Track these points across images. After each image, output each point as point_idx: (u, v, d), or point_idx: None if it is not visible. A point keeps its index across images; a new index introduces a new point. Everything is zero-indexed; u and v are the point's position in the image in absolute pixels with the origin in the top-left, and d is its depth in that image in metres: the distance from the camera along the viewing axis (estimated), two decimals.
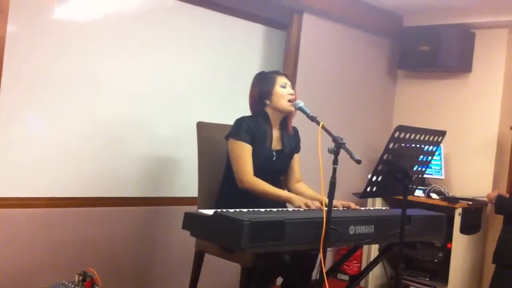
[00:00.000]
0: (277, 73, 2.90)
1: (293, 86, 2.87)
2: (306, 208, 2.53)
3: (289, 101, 2.80)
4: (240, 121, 2.77)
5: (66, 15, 3.16)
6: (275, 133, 2.88)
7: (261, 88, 2.85)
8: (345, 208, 2.71)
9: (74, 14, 3.19)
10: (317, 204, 2.54)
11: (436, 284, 4.33)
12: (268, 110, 2.84)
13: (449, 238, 4.07)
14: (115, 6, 3.35)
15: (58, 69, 3.13)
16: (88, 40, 3.24)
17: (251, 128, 2.75)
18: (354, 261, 4.56)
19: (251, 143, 2.75)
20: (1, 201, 2.96)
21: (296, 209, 2.56)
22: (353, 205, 2.77)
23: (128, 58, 3.41)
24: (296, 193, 2.85)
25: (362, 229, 2.39)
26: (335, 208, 2.55)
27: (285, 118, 2.91)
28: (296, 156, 3.01)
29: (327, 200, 2.21)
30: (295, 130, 3.01)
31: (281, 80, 2.84)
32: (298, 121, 2.96)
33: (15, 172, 3.02)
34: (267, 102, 2.82)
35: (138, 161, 3.51)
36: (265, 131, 2.82)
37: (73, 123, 3.21)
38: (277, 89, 2.81)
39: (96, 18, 3.27)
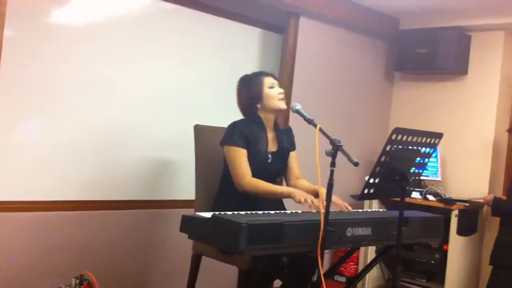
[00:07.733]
0: (262, 74, 2.88)
1: (279, 84, 2.86)
2: (304, 203, 2.51)
3: (280, 99, 2.80)
4: (232, 127, 2.77)
5: (64, 19, 3.16)
6: (270, 134, 2.87)
7: (249, 93, 2.82)
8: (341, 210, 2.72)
9: (72, 18, 3.19)
10: (317, 203, 2.50)
11: (432, 286, 4.33)
12: (261, 113, 2.83)
13: (445, 239, 4.07)
14: (113, 11, 3.35)
15: (56, 73, 3.13)
16: (86, 44, 3.24)
17: (243, 132, 2.75)
18: (351, 263, 4.56)
19: (246, 147, 2.75)
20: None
21: (294, 211, 2.57)
22: (349, 207, 2.76)
23: (126, 62, 3.42)
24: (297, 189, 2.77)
25: (360, 231, 2.40)
26: (334, 211, 2.55)
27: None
28: (292, 154, 3.00)
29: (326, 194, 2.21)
30: (289, 129, 3.01)
31: (268, 81, 2.83)
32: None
33: (14, 175, 3.02)
34: (259, 106, 2.82)
35: (136, 164, 3.51)
36: (258, 134, 2.81)
37: (71, 127, 3.21)
38: (266, 90, 2.81)
39: (94, 23, 3.28)
